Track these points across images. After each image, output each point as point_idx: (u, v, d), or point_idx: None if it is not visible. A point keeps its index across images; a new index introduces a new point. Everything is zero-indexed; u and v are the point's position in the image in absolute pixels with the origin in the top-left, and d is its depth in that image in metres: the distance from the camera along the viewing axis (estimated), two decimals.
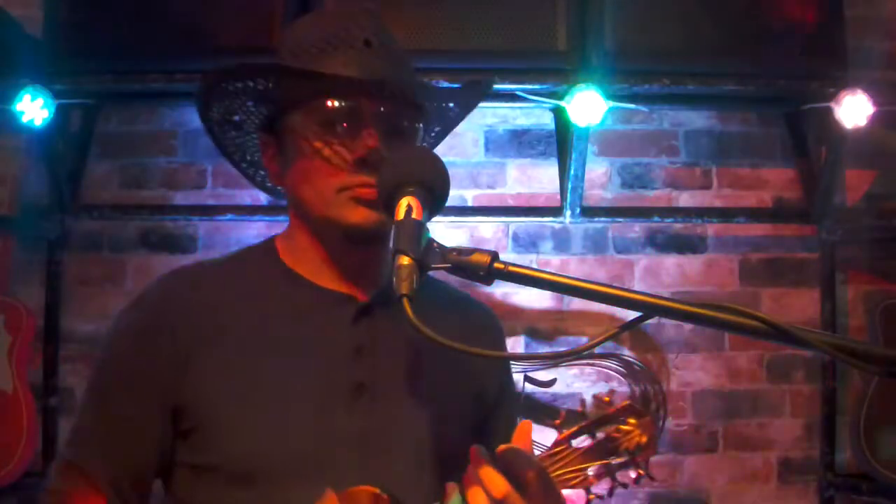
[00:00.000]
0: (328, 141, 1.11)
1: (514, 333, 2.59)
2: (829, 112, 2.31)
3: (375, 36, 1.14)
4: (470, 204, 2.64)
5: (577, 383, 2.60)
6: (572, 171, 2.43)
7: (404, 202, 0.94)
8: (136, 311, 1.19)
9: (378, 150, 1.09)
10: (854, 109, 2.27)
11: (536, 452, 0.97)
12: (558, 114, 2.47)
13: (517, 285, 0.96)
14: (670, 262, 2.68)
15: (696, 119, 2.70)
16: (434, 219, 0.99)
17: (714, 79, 2.32)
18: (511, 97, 2.35)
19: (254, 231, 2.66)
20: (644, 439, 0.89)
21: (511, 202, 2.66)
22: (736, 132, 2.71)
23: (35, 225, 2.59)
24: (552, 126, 2.63)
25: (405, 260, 0.88)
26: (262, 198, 2.67)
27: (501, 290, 2.60)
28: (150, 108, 2.66)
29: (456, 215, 2.56)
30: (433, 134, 1.32)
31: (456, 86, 1.28)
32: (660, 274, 2.67)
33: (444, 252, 0.91)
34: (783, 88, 2.34)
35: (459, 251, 0.91)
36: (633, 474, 0.91)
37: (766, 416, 2.64)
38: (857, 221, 2.64)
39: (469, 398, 1.22)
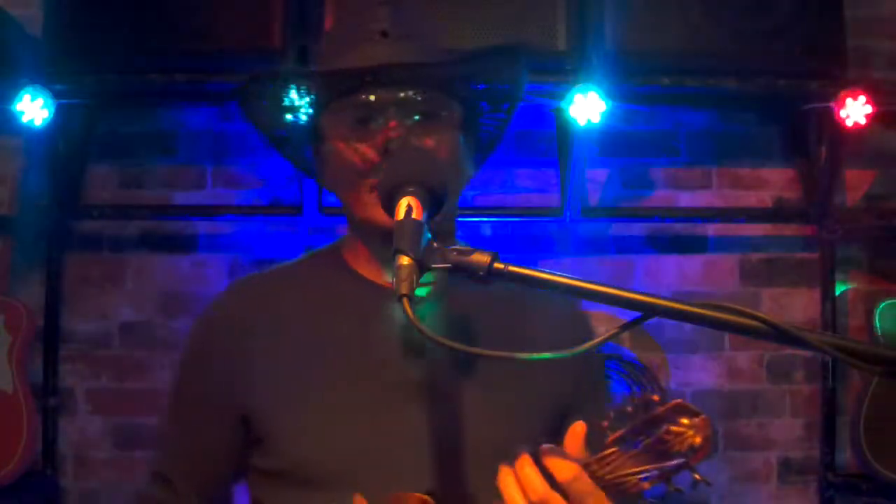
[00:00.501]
0: (350, 139, 1.10)
1: None
2: (829, 112, 2.31)
3: (394, 26, 1.11)
4: (470, 204, 2.64)
5: None
6: (572, 171, 2.43)
7: (404, 202, 0.94)
8: (203, 322, 1.24)
9: (398, 139, 1.06)
10: (854, 109, 2.27)
11: (587, 455, 0.92)
12: (558, 114, 2.47)
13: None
14: (670, 262, 2.68)
15: (697, 119, 2.70)
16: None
17: (714, 79, 2.32)
18: None
19: (253, 231, 2.66)
20: (698, 440, 0.81)
21: (511, 202, 2.66)
22: (736, 132, 2.71)
23: (35, 225, 2.59)
24: (552, 126, 2.63)
25: (405, 260, 0.88)
26: (262, 198, 2.67)
27: None
28: (151, 108, 2.66)
29: None
30: (501, 115, 1.24)
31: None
32: (660, 274, 2.67)
33: (445, 252, 0.91)
34: (783, 88, 2.34)
35: (459, 251, 0.90)
36: (689, 478, 0.83)
37: (766, 416, 2.64)
38: (857, 221, 2.64)
39: (536, 395, 1.16)
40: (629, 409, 0.87)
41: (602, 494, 0.88)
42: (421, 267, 0.89)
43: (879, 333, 2.49)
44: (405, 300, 0.85)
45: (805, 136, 2.62)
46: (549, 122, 2.62)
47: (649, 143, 2.70)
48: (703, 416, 0.82)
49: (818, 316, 2.63)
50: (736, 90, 2.34)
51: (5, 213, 2.55)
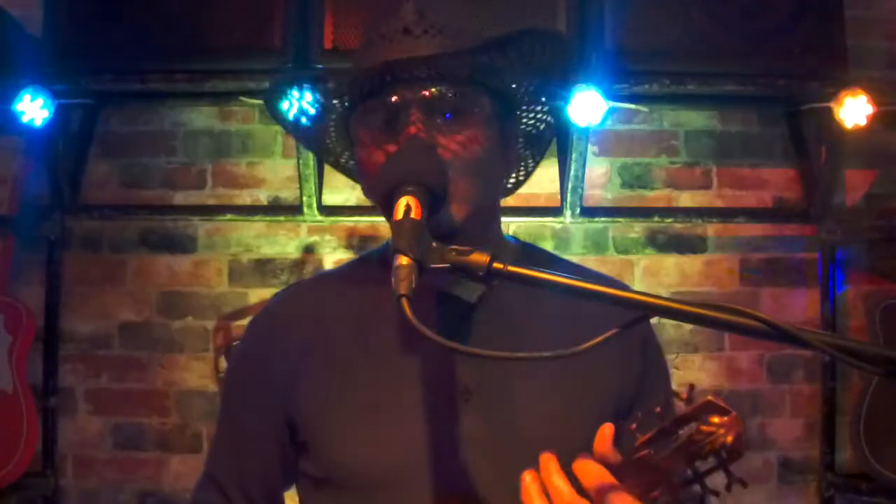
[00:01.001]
0: (378, 143, 1.07)
1: None
2: (829, 112, 2.31)
3: (417, 23, 1.07)
4: None
5: None
6: (572, 171, 2.43)
7: (403, 202, 0.93)
8: (253, 329, 1.24)
9: (416, 137, 1.02)
10: (854, 109, 2.27)
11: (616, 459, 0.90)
12: (558, 114, 2.47)
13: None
14: (670, 262, 2.68)
15: (696, 119, 2.70)
16: None
17: (714, 79, 2.32)
18: None
19: (254, 231, 2.66)
20: (729, 439, 0.78)
21: (511, 202, 2.65)
22: (736, 132, 2.71)
23: (35, 225, 2.59)
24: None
25: (404, 260, 0.86)
26: (262, 198, 2.67)
27: None
28: (150, 108, 2.66)
29: None
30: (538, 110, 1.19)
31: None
32: (660, 274, 2.67)
33: (444, 251, 0.90)
34: (783, 88, 2.33)
35: (458, 251, 0.89)
36: (724, 480, 0.79)
37: (766, 416, 2.64)
38: (857, 221, 2.64)
39: (594, 396, 1.12)
40: (657, 409, 0.84)
41: (630, 499, 0.85)
42: (420, 267, 0.88)
43: None
44: (404, 300, 0.84)
45: (805, 136, 2.62)
46: None
47: (649, 142, 2.70)
48: (733, 414, 0.79)
49: (818, 316, 2.63)
50: (736, 90, 2.33)
51: (5, 213, 2.55)
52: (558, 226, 2.64)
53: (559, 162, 2.55)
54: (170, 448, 2.61)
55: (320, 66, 2.23)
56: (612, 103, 2.26)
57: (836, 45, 2.28)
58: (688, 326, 2.57)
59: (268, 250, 2.66)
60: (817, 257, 2.65)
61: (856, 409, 2.50)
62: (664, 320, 2.70)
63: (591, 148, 2.53)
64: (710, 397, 0.81)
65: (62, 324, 2.62)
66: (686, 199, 2.69)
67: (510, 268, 0.87)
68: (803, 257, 2.68)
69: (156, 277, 2.66)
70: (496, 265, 0.88)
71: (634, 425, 0.85)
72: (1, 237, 2.52)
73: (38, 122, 2.28)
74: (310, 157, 2.39)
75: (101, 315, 2.65)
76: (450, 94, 1.05)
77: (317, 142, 1.23)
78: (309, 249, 2.66)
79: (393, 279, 0.86)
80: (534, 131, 1.22)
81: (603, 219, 2.64)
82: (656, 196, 2.69)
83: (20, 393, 2.43)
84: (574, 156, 2.40)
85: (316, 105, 1.13)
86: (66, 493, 2.60)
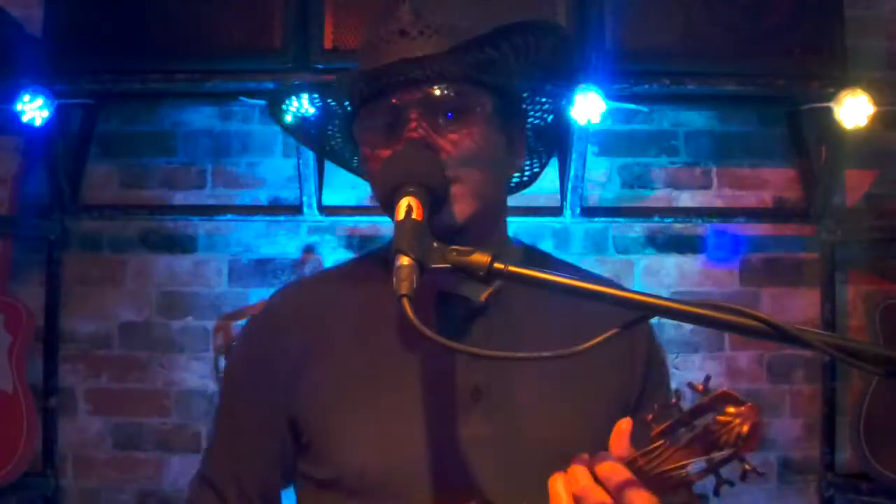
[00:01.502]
0: (379, 146, 1.07)
1: None
2: (829, 112, 2.31)
3: (413, 24, 1.07)
4: None
5: None
6: (572, 171, 2.43)
7: (404, 202, 0.93)
8: (253, 326, 1.23)
9: (416, 139, 1.02)
10: (854, 109, 2.27)
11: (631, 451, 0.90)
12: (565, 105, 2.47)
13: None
14: (670, 262, 2.68)
15: (696, 119, 2.70)
16: None
17: (714, 79, 2.32)
18: None
19: (253, 231, 2.66)
20: (745, 429, 0.78)
21: (511, 202, 2.65)
22: (736, 132, 2.71)
23: (35, 225, 2.59)
24: None
25: (405, 260, 0.87)
26: (262, 198, 2.67)
27: None
28: (150, 108, 2.66)
29: None
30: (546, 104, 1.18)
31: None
32: (660, 274, 2.67)
33: (445, 252, 0.90)
34: (783, 88, 2.33)
35: (459, 251, 0.89)
36: (740, 470, 0.81)
37: (766, 417, 2.64)
38: (857, 221, 2.64)
39: (597, 395, 1.12)
40: (673, 400, 0.84)
41: (643, 490, 0.85)
42: (422, 267, 0.88)
43: None
44: (405, 300, 0.84)
45: (805, 136, 2.62)
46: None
47: (649, 142, 2.70)
48: (749, 405, 0.80)
49: (818, 316, 2.63)
50: (736, 90, 2.33)
51: (5, 213, 2.55)
52: (558, 226, 2.64)
53: (559, 162, 2.55)
54: (170, 448, 2.61)
55: (320, 66, 2.23)
56: (612, 103, 2.26)
57: (835, 45, 2.28)
58: (688, 326, 2.57)
59: (268, 250, 2.66)
60: (817, 257, 2.65)
61: (856, 409, 2.50)
62: (664, 320, 2.70)
63: (591, 148, 2.53)
64: (725, 389, 0.82)
65: (62, 324, 2.62)
66: (686, 199, 2.69)
67: (511, 268, 0.88)
68: (803, 257, 2.68)
69: (156, 277, 2.66)
70: (497, 265, 0.88)
71: (650, 416, 0.86)
72: (1, 237, 2.52)
73: (38, 122, 2.29)
74: (310, 157, 2.39)
75: (101, 315, 2.65)
76: (449, 94, 1.05)
77: (322, 146, 1.23)
78: (309, 249, 2.66)
79: (394, 279, 0.86)
80: (542, 123, 1.21)
81: (603, 219, 2.64)
82: (656, 196, 2.69)
83: (20, 393, 2.43)
84: (574, 156, 2.40)
85: (318, 111, 1.13)
86: (66, 493, 2.60)
